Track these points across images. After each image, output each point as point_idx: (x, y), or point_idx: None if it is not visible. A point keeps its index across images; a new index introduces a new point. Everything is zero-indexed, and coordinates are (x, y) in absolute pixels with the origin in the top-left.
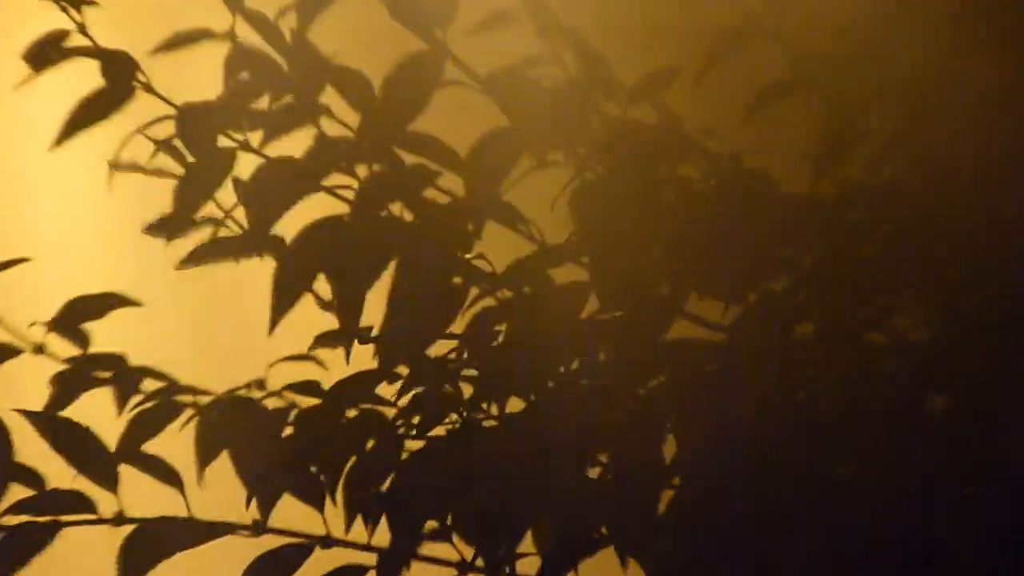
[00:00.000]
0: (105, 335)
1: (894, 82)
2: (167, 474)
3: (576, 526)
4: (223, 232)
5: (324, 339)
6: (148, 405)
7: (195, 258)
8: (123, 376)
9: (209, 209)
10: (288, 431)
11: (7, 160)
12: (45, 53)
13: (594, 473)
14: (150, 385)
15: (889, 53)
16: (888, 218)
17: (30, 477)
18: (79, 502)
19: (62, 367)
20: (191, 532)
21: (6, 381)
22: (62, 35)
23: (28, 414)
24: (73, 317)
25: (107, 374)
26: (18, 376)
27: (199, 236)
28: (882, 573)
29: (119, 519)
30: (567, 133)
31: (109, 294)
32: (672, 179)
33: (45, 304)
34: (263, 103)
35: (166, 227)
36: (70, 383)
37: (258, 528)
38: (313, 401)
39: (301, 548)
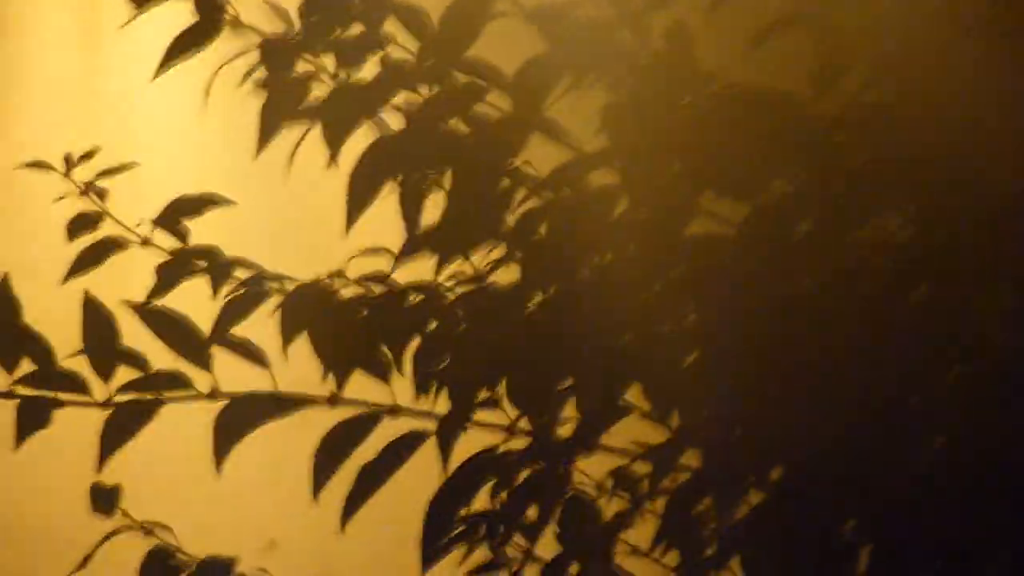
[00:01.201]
0: (203, 233)
1: (884, 16)
2: (255, 355)
3: (609, 391)
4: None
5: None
6: (240, 292)
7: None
8: (217, 266)
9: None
10: (362, 314)
11: (120, 84)
12: None
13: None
14: (241, 275)
15: None
16: (875, 134)
17: (136, 360)
18: (179, 381)
19: (165, 259)
20: (276, 405)
21: (115, 273)
22: None
23: (133, 305)
24: (175, 215)
25: (203, 264)
26: (126, 269)
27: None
28: (865, 433)
29: (214, 394)
30: (599, 59)
31: (206, 195)
32: (684, 94)
33: (150, 205)
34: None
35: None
36: (172, 272)
37: (334, 399)
38: (382, 290)
39: (372, 416)
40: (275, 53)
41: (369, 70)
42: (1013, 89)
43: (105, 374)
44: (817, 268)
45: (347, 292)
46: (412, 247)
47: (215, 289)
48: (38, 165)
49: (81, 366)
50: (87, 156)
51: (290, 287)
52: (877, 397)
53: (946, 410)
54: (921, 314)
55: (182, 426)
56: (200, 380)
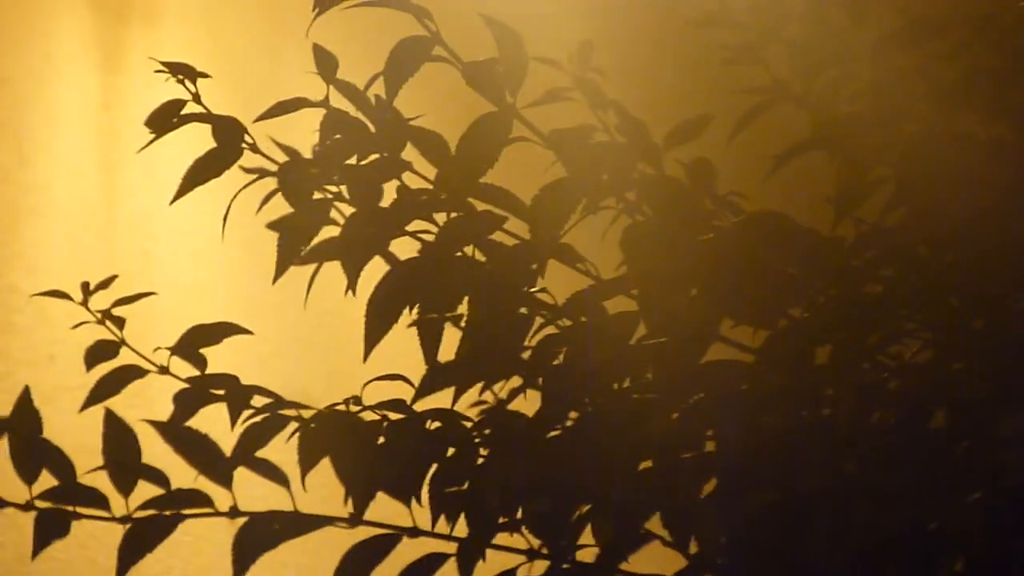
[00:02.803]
0: (221, 359)
1: (903, 138)
2: (275, 474)
3: (629, 519)
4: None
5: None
6: (258, 419)
7: (306, 258)
8: (235, 393)
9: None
10: (380, 440)
11: (138, 210)
12: (165, 119)
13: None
14: (259, 401)
15: (900, 113)
16: (895, 255)
17: (157, 477)
18: (199, 498)
19: (183, 386)
20: (295, 523)
21: (136, 398)
22: (180, 104)
23: (156, 424)
24: (192, 343)
25: (221, 392)
26: (146, 394)
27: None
28: (884, 563)
29: (233, 512)
30: (616, 184)
31: (223, 323)
32: (705, 225)
33: (168, 332)
34: (353, 160)
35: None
36: (190, 399)
37: (354, 520)
38: (401, 416)
39: (391, 537)
40: (292, 179)
41: (386, 196)
42: None
43: (125, 490)
44: (836, 395)
45: (365, 417)
46: (432, 383)
47: (233, 417)
48: (54, 294)
49: (101, 482)
50: (104, 284)
51: (307, 414)
52: (896, 523)
53: (965, 538)
54: (940, 440)
55: (201, 545)
56: (220, 498)
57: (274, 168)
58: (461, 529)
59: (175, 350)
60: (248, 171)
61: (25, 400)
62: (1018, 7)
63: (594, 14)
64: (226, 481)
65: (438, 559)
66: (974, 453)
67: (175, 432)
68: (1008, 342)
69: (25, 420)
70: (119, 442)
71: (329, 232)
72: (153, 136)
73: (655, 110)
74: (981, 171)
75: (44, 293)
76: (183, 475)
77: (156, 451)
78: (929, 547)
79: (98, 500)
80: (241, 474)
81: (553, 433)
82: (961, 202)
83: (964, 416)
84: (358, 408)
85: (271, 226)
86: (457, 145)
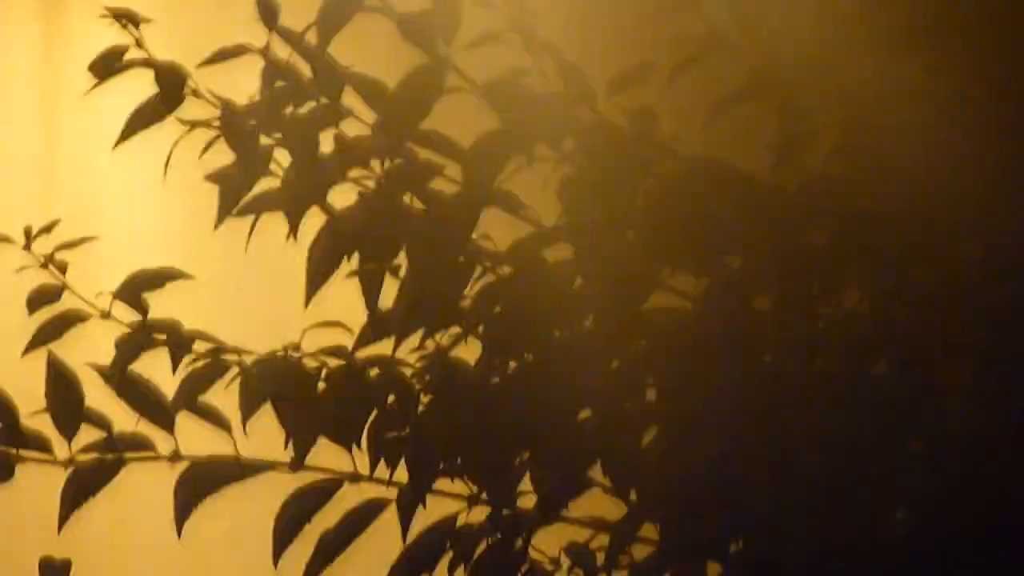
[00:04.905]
0: (162, 304)
1: (846, 86)
2: (217, 419)
3: (569, 469)
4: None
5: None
6: (199, 364)
7: (246, 209)
8: (177, 339)
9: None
10: (321, 387)
11: (80, 155)
12: (107, 65)
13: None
14: (200, 347)
15: (842, 61)
16: (837, 206)
17: (100, 421)
18: (141, 443)
19: (125, 331)
20: (237, 469)
21: (77, 343)
22: (122, 49)
23: (98, 368)
24: (134, 288)
25: (163, 337)
26: (87, 339)
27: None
28: (830, 505)
29: (175, 456)
30: (552, 132)
31: (165, 268)
32: (645, 172)
33: (110, 277)
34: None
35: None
36: (132, 344)
37: (295, 465)
38: (340, 363)
39: (332, 482)
40: (234, 125)
41: (328, 142)
42: (975, 159)
43: (68, 434)
44: (777, 343)
45: (307, 363)
46: (372, 332)
47: (175, 363)
48: None
49: (45, 426)
50: (47, 229)
51: (249, 360)
52: (838, 470)
53: (907, 483)
54: (882, 388)
55: (143, 493)
56: (162, 443)
57: (215, 116)
58: (401, 474)
59: (117, 295)
60: (186, 122)
61: None
62: None
63: None
64: (168, 426)
65: (378, 505)
66: (916, 402)
67: (118, 377)
68: (951, 292)
69: None
70: (62, 387)
71: (268, 183)
72: (96, 81)
73: (590, 56)
74: (924, 121)
75: None
76: (124, 423)
77: (99, 397)
78: (872, 495)
79: (42, 444)
80: (183, 423)
81: (493, 381)
82: (905, 152)
83: (907, 365)
84: (298, 355)
85: (210, 178)
86: (393, 93)
